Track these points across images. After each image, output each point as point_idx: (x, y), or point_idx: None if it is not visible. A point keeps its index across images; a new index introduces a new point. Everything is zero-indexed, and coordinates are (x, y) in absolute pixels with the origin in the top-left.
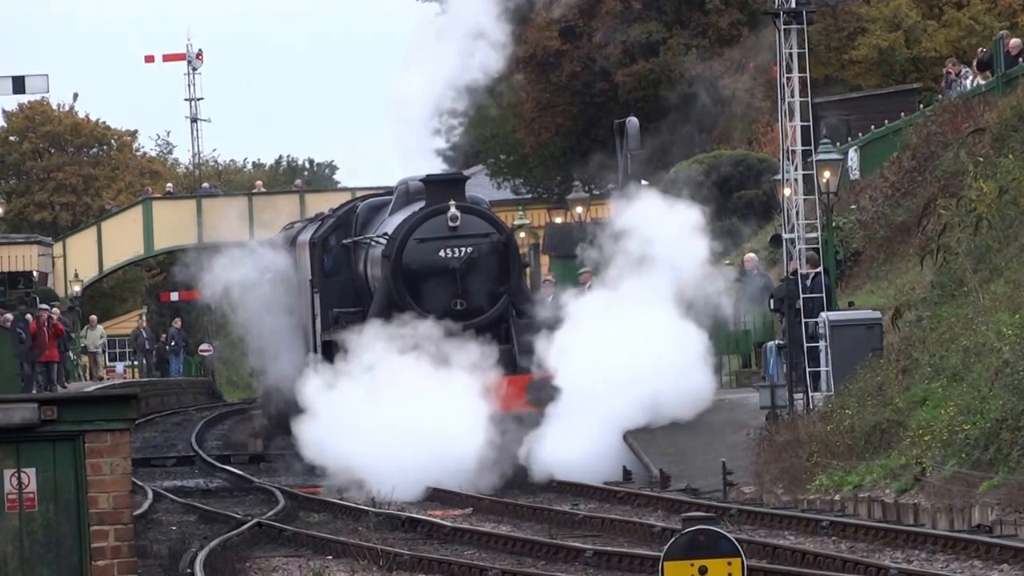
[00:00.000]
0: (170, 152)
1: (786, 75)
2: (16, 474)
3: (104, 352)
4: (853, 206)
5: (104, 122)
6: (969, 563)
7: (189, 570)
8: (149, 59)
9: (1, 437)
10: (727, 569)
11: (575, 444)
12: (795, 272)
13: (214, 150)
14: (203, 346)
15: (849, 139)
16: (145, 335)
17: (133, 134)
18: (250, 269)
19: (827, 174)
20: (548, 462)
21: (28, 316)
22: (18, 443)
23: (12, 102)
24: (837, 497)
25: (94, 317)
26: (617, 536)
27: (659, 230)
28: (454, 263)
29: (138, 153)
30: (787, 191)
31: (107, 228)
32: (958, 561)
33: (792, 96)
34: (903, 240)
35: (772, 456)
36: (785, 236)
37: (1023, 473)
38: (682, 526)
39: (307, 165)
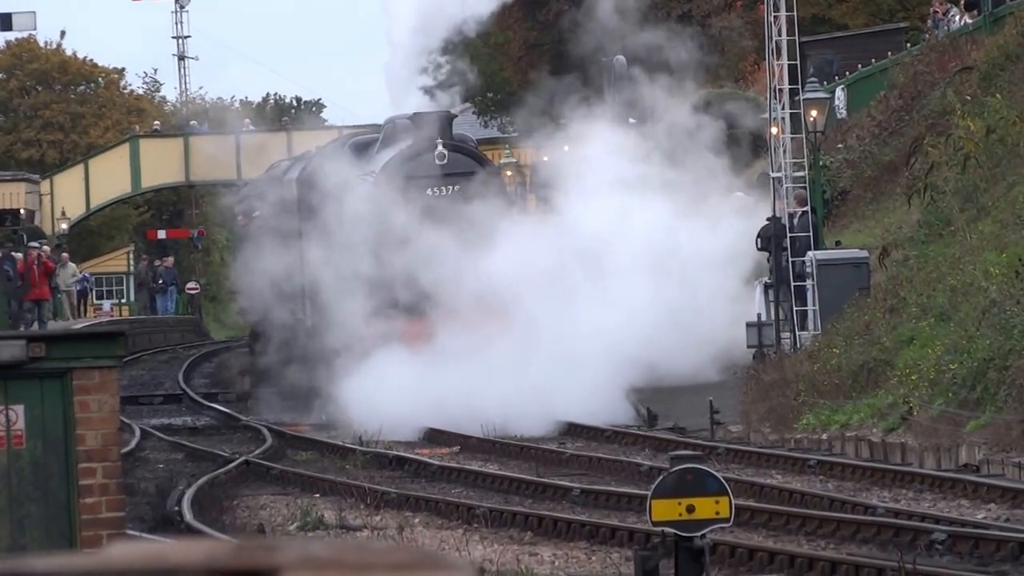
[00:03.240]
0: (157, 90)
1: (773, 14)
2: (4, 411)
3: (91, 291)
4: (840, 145)
5: (91, 60)
6: (956, 502)
7: (177, 508)
8: None
9: None
10: (715, 507)
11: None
12: (782, 211)
13: (201, 88)
14: (190, 284)
15: (836, 78)
16: (155, 271)
17: (120, 72)
18: (237, 207)
19: (814, 113)
20: (552, 403)
21: (15, 254)
22: (5, 380)
23: None
24: (824, 436)
25: (66, 255)
26: (604, 475)
27: None
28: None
29: (125, 91)
30: (774, 130)
31: (94, 166)
32: (945, 500)
33: (779, 35)
34: (890, 179)
35: (759, 395)
36: (772, 175)
37: (1010, 412)
38: (670, 465)
39: (294, 103)
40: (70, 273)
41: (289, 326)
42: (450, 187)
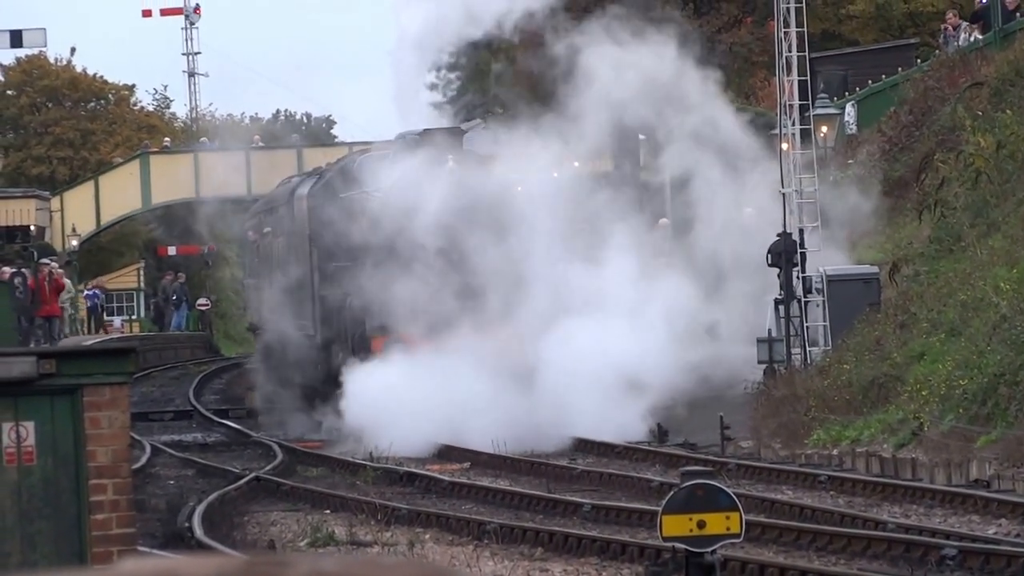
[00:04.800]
0: (167, 107)
1: (784, 30)
2: (15, 427)
3: (101, 309)
4: (850, 160)
5: (101, 76)
6: (967, 517)
7: (187, 524)
8: (147, 13)
9: None
10: (725, 523)
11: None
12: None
13: (211, 104)
14: (200, 300)
15: (846, 94)
16: (175, 290)
17: (131, 88)
18: (247, 224)
19: (824, 128)
20: (565, 420)
21: (24, 270)
22: (16, 396)
23: (10, 56)
24: (835, 452)
25: (61, 271)
26: (615, 490)
27: None
28: None
29: (135, 107)
30: (784, 146)
31: (105, 182)
32: (956, 516)
33: (790, 51)
34: (901, 195)
35: (770, 411)
36: (783, 191)
37: (1021, 428)
38: (680, 480)
39: (305, 119)
40: (64, 291)
41: (299, 342)
42: (460, 202)
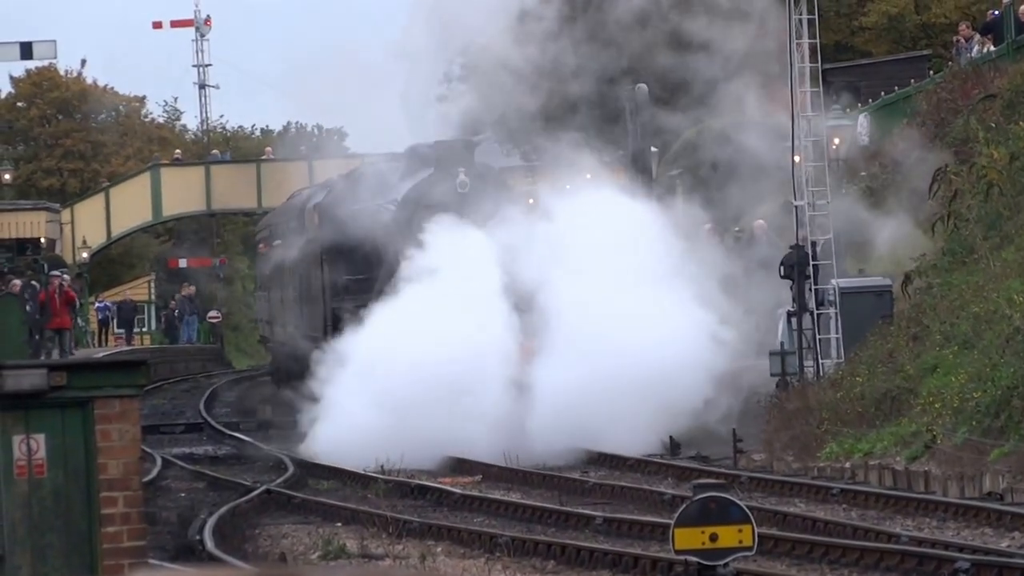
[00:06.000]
0: (178, 118)
1: (796, 41)
2: (25, 440)
3: (112, 320)
4: (863, 172)
5: (112, 88)
6: (980, 531)
7: (198, 537)
8: (157, 25)
9: (10, 403)
10: (738, 536)
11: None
12: (805, 238)
13: (222, 116)
14: (211, 313)
15: (859, 105)
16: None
17: (141, 100)
18: (259, 236)
19: (837, 140)
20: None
21: (35, 283)
22: (27, 409)
23: (20, 68)
24: (847, 464)
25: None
26: (627, 503)
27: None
28: None
29: (146, 119)
30: (797, 157)
31: (115, 195)
32: (969, 529)
33: (802, 62)
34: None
35: (782, 423)
36: (795, 202)
37: None
38: (693, 493)
39: (315, 131)
40: None
41: (311, 354)
42: (472, 215)
